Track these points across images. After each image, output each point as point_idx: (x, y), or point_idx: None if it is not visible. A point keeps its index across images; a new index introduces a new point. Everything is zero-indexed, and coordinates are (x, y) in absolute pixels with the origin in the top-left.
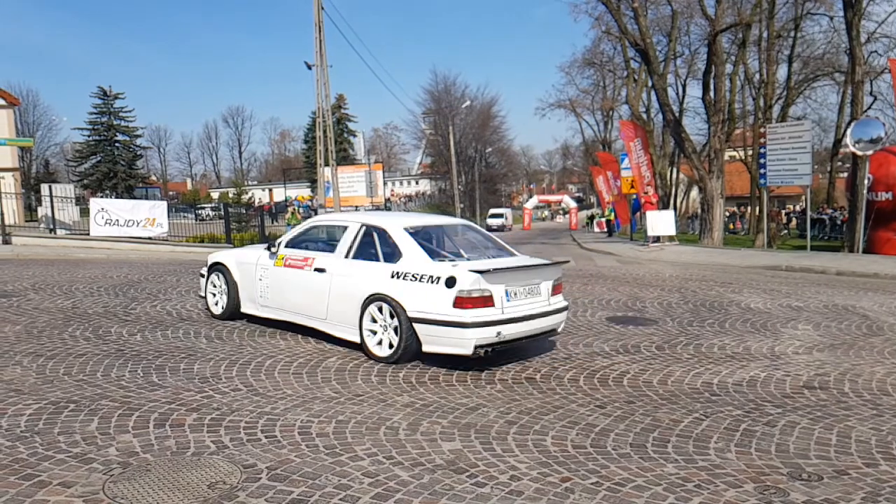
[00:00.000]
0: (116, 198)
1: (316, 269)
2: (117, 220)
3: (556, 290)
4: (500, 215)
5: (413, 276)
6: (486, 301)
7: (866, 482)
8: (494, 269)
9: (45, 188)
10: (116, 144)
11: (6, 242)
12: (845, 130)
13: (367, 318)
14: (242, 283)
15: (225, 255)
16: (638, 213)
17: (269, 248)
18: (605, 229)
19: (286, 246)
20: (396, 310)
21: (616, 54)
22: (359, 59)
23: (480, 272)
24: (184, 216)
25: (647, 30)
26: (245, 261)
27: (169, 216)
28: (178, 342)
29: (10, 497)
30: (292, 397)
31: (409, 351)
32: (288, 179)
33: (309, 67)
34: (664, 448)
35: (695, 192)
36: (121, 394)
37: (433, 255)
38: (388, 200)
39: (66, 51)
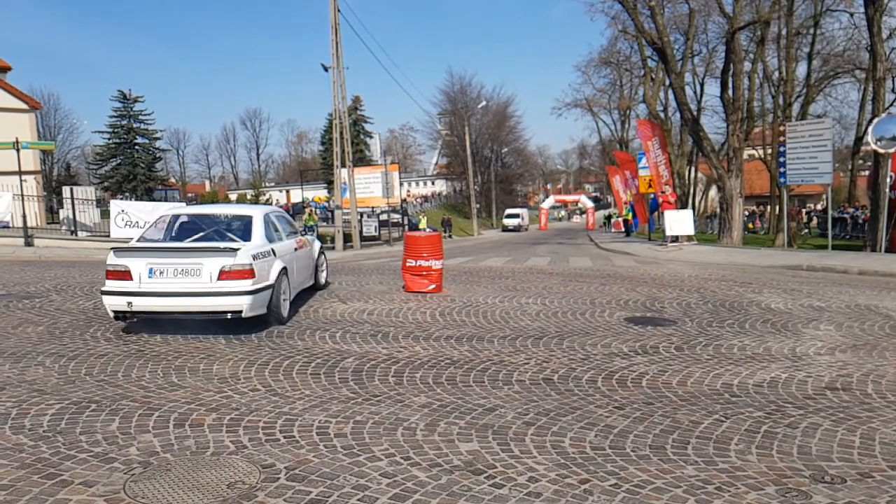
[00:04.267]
0: (136, 200)
1: None
2: (137, 222)
3: (227, 274)
4: (517, 215)
5: None
6: (124, 275)
7: (891, 485)
8: (135, 248)
9: (66, 191)
10: (136, 147)
11: (28, 244)
12: (866, 128)
13: None
14: None
15: None
16: (656, 213)
17: None
18: (623, 229)
19: None
20: None
21: (633, 53)
22: (375, 61)
23: (116, 250)
24: None
25: (665, 28)
26: None
27: None
28: (197, 343)
29: (33, 496)
30: (310, 398)
31: None
32: (305, 181)
33: (325, 69)
34: (684, 450)
35: (713, 192)
36: (141, 394)
37: (166, 238)
38: (404, 201)
39: (87, 55)
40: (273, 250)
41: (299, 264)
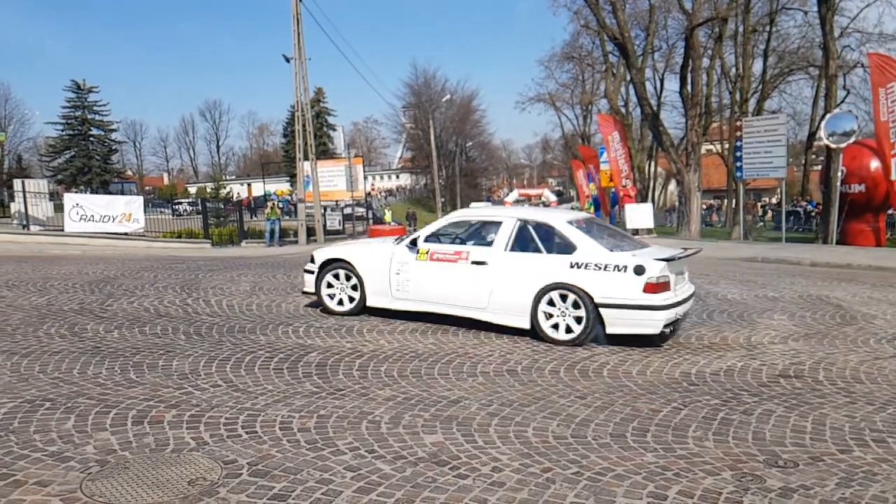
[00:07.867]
0: (91, 193)
1: (473, 262)
2: (92, 216)
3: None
4: None
5: (596, 265)
6: (666, 286)
7: (840, 468)
8: (669, 258)
9: (17, 183)
10: (91, 139)
11: None
12: (819, 124)
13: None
14: (371, 279)
15: (345, 251)
16: (616, 207)
17: (409, 244)
18: None
19: (424, 241)
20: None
21: (595, 48)
22: (338, 53)
23: (664, 260)
24: (160, 211)
25: (626, 24)
26: (375, 255)
27: (145, 211)
28: (155, 339)
29: None
30: (273, 393)
31: (594, 333)
32: (267, 174)
33: (287, 60)
34: (643, 437)
35: (672, 186)
36: (98, 391)
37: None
38: (368, 195)
39: (39, 43)
40: None
41: None
